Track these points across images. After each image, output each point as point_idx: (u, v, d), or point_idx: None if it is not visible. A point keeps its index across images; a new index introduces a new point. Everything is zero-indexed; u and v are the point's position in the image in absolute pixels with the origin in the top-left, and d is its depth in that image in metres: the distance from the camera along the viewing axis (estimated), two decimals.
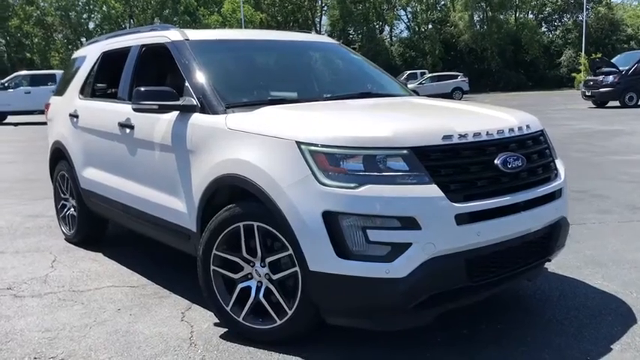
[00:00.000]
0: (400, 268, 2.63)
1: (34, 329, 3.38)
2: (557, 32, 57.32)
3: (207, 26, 46.68)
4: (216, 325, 3.32)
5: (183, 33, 3.98)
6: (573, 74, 43.89)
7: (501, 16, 55.23)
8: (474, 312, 3.38)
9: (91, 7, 53.42)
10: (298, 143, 2.80)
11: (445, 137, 2.80)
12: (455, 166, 2.79)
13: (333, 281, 2.70)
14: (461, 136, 2.83)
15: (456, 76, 35.65)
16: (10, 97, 22.22)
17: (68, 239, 5.28)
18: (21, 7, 50.55)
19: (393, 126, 2.85)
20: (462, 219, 2.70)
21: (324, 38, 4.80)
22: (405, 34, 59.53)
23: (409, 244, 2.63)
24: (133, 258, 4.70)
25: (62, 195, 5.35)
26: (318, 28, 58.26)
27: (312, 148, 2.76)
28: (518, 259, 3.05)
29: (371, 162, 2.70)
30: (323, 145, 2.74)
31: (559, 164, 3.36)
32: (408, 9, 58.13)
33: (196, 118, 3.44)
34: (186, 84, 3.60)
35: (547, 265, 4.03)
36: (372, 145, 2.72)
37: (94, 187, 4.65)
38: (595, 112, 20.61)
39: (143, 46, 4.29)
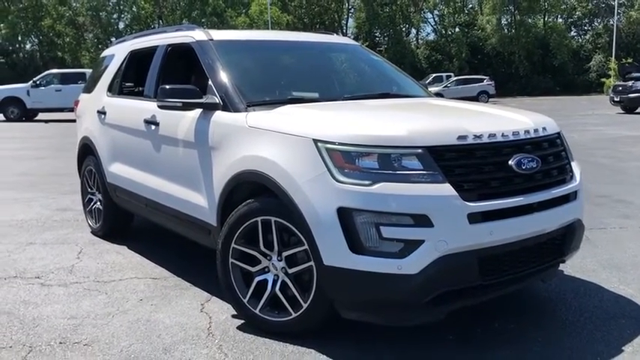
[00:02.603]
0: (412, 264, 2.69)
1: (60, 316, 3.52)
2: (587, 37, 56.50)
3: (234, 27, 47.12)
4: (233, 316, 3.41)
5: (207, 33, 4.09)
6: (602, 79, 43.26)
7: (530, 20, 54.62)
8: (488, 311, 3.43)
9: (121, 7, 54.33)
10: (315, 141, 2.88)
11: (460, 137, 2.85)
12: (469, 165, 2.84)
13: (347, 276, 2.77)
14: (476, 136, 2.89)
15: (481, 80, 35.39)
16: (42, 94, 22.76)
17: (94, 232, 5.44)
18: (54, 7, 51.59)
19: (409, 126, 2.91)
20: (475, 218, 2.75)
21: (346, 40, 4.88)
22: (432, 37, 59.30)
23: (421, 241, 2.69)
24: (156, 251, 4.83)
25: (89, 189, 5.52)
26: (344, 31, 58.35)
27: (329, 145, 2.84)
28: (531, 259, 3.08)
29: (386, 160, 2.77)
30: (339, 143, 2.82)
31: (575, 167, 3.38)
32: (435, 12, 57.94)
33: (218, 115, 3.55)
34: (210, 82, 3.71)
35: (563, 267, 4.08)
36: (388, 143, 2.79)
37: (120, 182, 4.80)
38: (623, 117, 20.32)
39: (169, 45, 4.41)
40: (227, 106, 3.52)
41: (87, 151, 5.43)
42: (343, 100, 3.80)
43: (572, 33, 57.45)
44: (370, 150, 2.79)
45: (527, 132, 3.10)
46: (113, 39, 48.67)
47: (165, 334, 3.24)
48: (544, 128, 3.23)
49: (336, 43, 4.78)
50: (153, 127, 4.19)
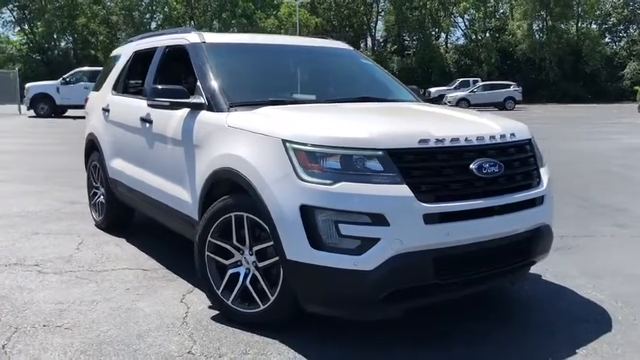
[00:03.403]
0: (368, 261, 2.80)
1: (49, 301, 3.72)
2: (622, 43, 55.47)
3: (263, 29, 47.56)
4: (210, 307, 3.56)
5: (201, 36, 4.26)
6: (636, 87, 42.39)
7: (562, 26, 53.85)
8: (457, 310, 3.52)
9: (154, 7, 55.28)
10: (284, 141, 3.02)
11: (422, 141, 2.96)
12: (428, 168, 2.95)
13: (308, 270, 2.90)
14: (438, 140, 2.99)
15: (508, 86, 35.09)
16: (71, 91, 23.43)
17: (97, 225, 5.67)
18: (89, 6, 52.81)
19: (372, 129, 3.03)
20: (431, 218, 2.85)
21: (339, 44, 4.99)
22: (462, 41, 58.93)
23: (377, 239, 2.81)
24: (152, 244, 5.02)
25: (94, 183, 5.75)
26: (373, 33, 58.40)
27: (296, 146, 2.98)
28: (493, 261, 3.17)
29: (348, 161, 2.89)
30: (305, 144, 2.96)
31: (543, 172, 3.45)
32: (466, 16, 57.54)
33: (203, 115, 3.72)
34: (198, 83, 3.88)
35: (543, 272, 4.16)
36: (350, 145, 2.91)
37: (120, 177, 5.01)
38: None
39: (167, 47, 4.60)
40: (211, 106, 3.69)
41: (92, 147, 5.66)
42: (325, 102, 3.93)
43: (607, 39, 56.45)
44: (333, 151, 2.91)
45: (492, 137, 3.19)
46: None
47: (143, 322, 3.41)
48: (512, 134, 3.31)
49: (329, 47, 4.91)
50: (147, 124, 4.38)
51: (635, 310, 3.55)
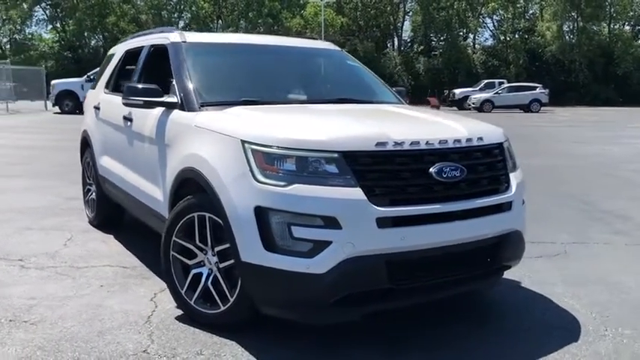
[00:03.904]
0: (320, 264, 2.77)
1: (23, 296, 3.77)
2: None
3: (288, 29, 47.68)
4: (177, 307, 3.56)
5: (182, 35, 4.28)
6: None
7: (594, 27, 52.76)
8: (428, 315, 3.48)
9: (182, 6, 55.90)
10: (242, 142, 3.01)
11: (379, 144, 2.91)
12: (384, 171, 2.90)
13: (261, 273, 2.88)
14: (396, 143, 2.93)
15: (534, 88, 34.49)
16: None
17: (90, 221, 5.73)
18: (119, 5, 53.68)
19: (330, 131, 2.99)
20: (385, 222, 2.80)
21: (327, 45, 4.94)
22: (490, 42, 58.19)
23: (329, 242, 2.77)
24: (138, 242, 5.05)
25: (87, 180, 5.82)
26: (399, 34, 58.05)
27: (253, 147, 2.96)
28: (455, 267, 3.10)
29: (303, 163, 2.86)
30: (262, 145, 2.93)
31: (513, 177, 3.35)
32: (495, 17, 56.83)
33: (175, 114, 3.73)
34: (173, 82, 3.89)
35: (522, 278, 4.07)
36: (305, 147, 2.88)
37: (108, 174, 5.06)
38: None
39: (152, 46, 4.63)
40: (183, 105, 3.69)
41: (85, 144, 5.74)
42: (299, 103, 3.90)
43: None
44: (289, 152, 2.88)
45: (457, 141, 3.11)
46: None
47: (108, 319, 3.42)
48: (480, 138, 3.23)
49: (314, 48, 4.87)
50: (129, 123, 4.41)
51: (608, 319, 3.45)
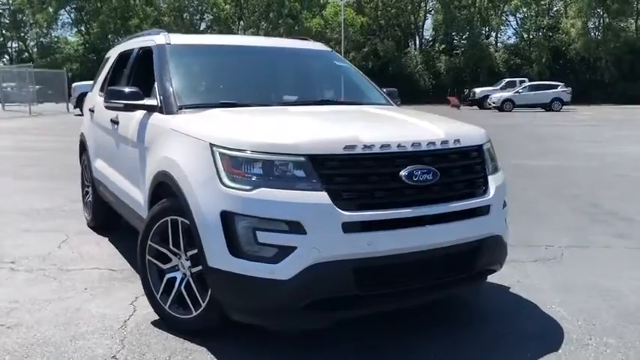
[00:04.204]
0: (284, 270, 2.72)
1: (5, 299, 3.78)
2: None
3: (308, 29, 47.71)
4: (155, 311, 3.54)
5: (167, 37, 4.25)
6: None
7: (621, 23, 51.72)
8: (405, 319, 3.40)
9: (203, 8, 56.34)
10: (211, 145, 2.96)
11: (347, 147, 2.83)
12: (352, 175, 2.83)
13: (227, 278, 2.84)
14: (366, 146, 2.86)
15: (556, 86, 33.89)
16: None
17: (88, 224, 5.76)
18: (141, 7, 54.35)
19: (298, 134, 2.93)
20: (351, 227, 2.73)
21: (316, 45, 4.87)
22: (512, 40, 57.42)
23: (294, 248, 2.71)
24: (132, 245, 4.97)
25: (86, 182, 5.85)
26: (420, 33, 57.66)
27: (221, 150, 2.91)
28: (427, 273, 3.02)
29: (269, 167, 2.81)
30: (228, 148, 2.89)
31: (492, 180, 3.24)
32: (518, 15, 56.08)
33: (154, 117, 3.71)
34: (155, 85, 3.87)
35: (512, 284, 3.97)
36: (272, 150, 2.82)
37: (100, 177, 5.08)
38: None
39: (140, 48, 4.62)
40: (162, 108, 3.67)
41: (83, 147, 5.76)
42: (277, 105, 3.85)
43: None
44: (255, 156, 2.83)
45: (431, 143, 3.02)
46: None
47: (84, 323, 3.41)
48: (456, 140, 3.13)
49: (302, 49, 4.79)
50: (115, 126, 4.41)
51: (594, 328, 3.32)
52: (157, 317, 3.45)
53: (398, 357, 3.01)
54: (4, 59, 58.30)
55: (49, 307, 3.65)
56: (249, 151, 2.84)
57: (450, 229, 2.99)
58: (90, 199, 5.66)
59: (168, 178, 3.22)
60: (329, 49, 4.91)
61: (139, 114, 3.89)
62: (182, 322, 3.25)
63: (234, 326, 3.14)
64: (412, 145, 2.97)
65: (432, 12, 57.57)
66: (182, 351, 3.07)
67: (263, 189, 2.76)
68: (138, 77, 4.55)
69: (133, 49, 4.83)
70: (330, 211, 2.71)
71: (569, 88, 33.88)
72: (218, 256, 2.85)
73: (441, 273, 3.07)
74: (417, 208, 2.88)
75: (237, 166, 2.85)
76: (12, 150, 12.90)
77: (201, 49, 4.37)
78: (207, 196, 2.90)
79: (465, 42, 54.34)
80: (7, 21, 59.04)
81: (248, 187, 2.79)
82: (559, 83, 34.55)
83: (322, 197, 2.73)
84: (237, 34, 51.42)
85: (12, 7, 58.08)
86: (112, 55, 5.62)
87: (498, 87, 36.87)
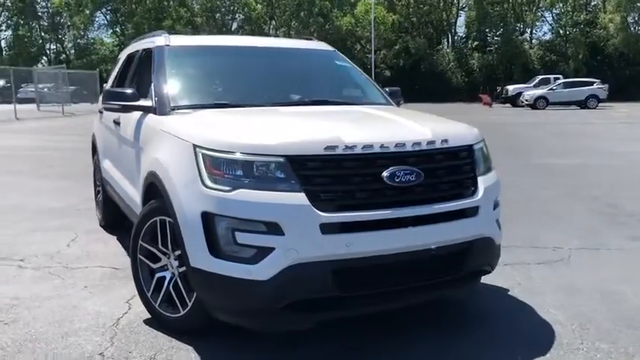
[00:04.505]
0: (262, 271, 2.71)
1: (7, 296, 3.87)
2: None
3: (339, 28, 47.68)
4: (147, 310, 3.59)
5: (167, 39, 4.29)
6: None
7: None
8: (393, 320, 3.36)
9: (235, 8, 56.81)
10: (194, 146, 2.98)
11: (328, 148, 2.81)
12: (332, 176, 2.81)
13: (208, 278, 2.85)
14: (347, 147, 2.83)
15: (591, 83, 33.06)
16: None
17: (99, 223, 5.87)
18: (175, 8, 55.14)
19: (279, 135, 2.92)
20: (329, 228, 2.72)
21: (319, 45, 4.84)
22: (548, 36, 56.20)
23: (272, 249, 2.71)
24: None
25: (97, 182, 5.96)
26: (453, 30, 56.98)
27: (204, 151, 2.93)
28: (411, 275, 2.98)
29: (248, 167, 2.81)
30: (210, 149, 2.90)
31: (482, 181, 3.17)
32: (553, 10, 54.86)
33: (149, 118, 3.75)
34: (151, 86, 3.91)
35: (512, 286, 3.89)
36: (251, 151, 2.82)
37: (108, 177, 5.16)
38: None
39: (143, 50, 4.68)
40: (156, 109, 3.70)
41: (94, 147, 5.87)
42: (272, 105, 3.84)
43: None
44: (235, 157, 2.83)
45: (417, 144, 2.98)
46: None
47: (78, 321, 3.47)
48: (444, 140, 3.07)
49: (302, 49, 4.77)
50: (118, 126, 4.48)
51: (588, 332, 3.22)
52: (148, 316, 3.49)
53: (388, 358, 2.98)
54: (43, 61, 59.85)
55: (47, 305, 3.73)
56: (229, 152, 2.85)
57: (435, 231, 2.94)
58: (100, 198, 5.76)
59: (156, 179, 3.25)
60: (331, 48, 4.88)
61: (137, 115, 3.94)
62: (171, 321, 3.28)
63: (222, 326, 3.15)
64: (395, 145, 2.93)
65: (465, 8, 56.84)
66: (168, 349, 3.10)
67: (242, 190, 2.77)
68: (140, 78, 4.61)
69: (137, 51, 4.90)
70: (308, 212, 2.70)
71: (606, 85, 33.00)
72: (199, 257, 2.86)
73: (427, 275, 3.02)
74: (398, 209, 2.84)
75: (218, 166, 2.86)
76: (36, 150, 13.24)
77: (200, 51, 4.40)
78: (189, 197, 2.91)
79: (498, 39, 53.46)
80: (46, 24, 60.65)
81: (228, 188, 2.79)
82: (595, 80, 33.70)
83: (300, 198, 2.71)
84: (269, 33, 51.77)
85: (50, 10, 59.60)
86: (122, 56, 5.71)
87: (532, 84, 36.19)
